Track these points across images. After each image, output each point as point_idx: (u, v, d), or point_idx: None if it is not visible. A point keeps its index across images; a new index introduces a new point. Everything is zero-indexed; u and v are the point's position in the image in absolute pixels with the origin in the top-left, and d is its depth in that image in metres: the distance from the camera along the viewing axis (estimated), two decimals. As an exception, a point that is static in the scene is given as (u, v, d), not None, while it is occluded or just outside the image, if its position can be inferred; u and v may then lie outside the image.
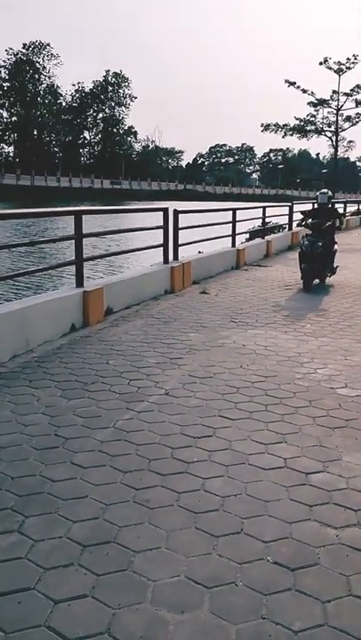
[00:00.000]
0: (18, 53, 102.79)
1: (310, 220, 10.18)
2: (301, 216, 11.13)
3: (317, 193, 10.75)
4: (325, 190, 10.79)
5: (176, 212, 9.37)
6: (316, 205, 10.70)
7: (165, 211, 9.20)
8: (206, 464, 3.37)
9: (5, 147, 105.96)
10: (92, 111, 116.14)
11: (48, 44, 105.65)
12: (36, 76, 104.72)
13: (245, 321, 7.15)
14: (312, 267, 9.46)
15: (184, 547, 2.57)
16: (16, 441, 3.62)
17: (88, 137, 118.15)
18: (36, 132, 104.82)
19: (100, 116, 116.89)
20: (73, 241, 6.83)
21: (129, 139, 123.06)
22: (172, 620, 2.13)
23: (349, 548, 2.59)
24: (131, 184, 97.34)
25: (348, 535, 2.69)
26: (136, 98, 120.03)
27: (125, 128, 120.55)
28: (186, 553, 2.53)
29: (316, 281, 10.01)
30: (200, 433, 3.80)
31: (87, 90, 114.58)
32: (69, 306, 6.40)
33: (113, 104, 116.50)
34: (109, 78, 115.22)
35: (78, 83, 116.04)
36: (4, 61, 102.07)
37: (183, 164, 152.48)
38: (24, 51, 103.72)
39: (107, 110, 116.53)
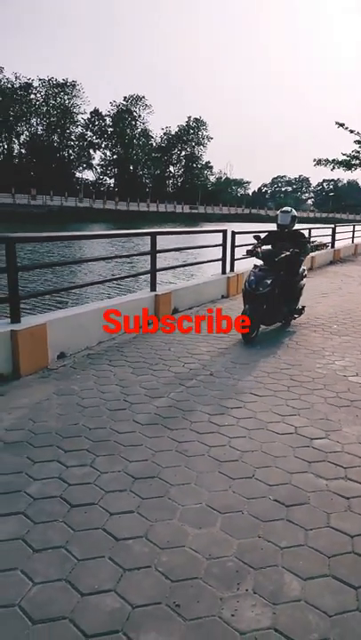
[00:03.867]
0: (119, 105, 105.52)
1: (261, 248, 6.44)
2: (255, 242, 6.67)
3: (278, 212, 6.87)
4: (288, 208, 6.84)
5: (233, 233, 9.52)
6: (277, 228, 6.75)
7: (225, 232, 9.39)
8: (234, 427, 3.58)
9: (108, 179, 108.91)
10: (176, 150, 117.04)
11: (143, 97, 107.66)
12: (133, 123, 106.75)
13: (283, 321, 7.24)
14: (255, 311, 5.84)
15: (208, 484, 2.81)
16: (95, 403, 3.95)
17: (173, 171, 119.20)
18: (131, 168, 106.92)
19: (183, 153, 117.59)
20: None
21: (205, 172, 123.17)
22: (191, 533, 2.39)
23: (335, 494, 2.75)
24: (205, 209, 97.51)
25: (335, 485, 2.85)
26: (212, 138, 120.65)
27: (203, 163, 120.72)
28: (209, 488, 2.77)
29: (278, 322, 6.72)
30: (233, 404, 4.00)
31: (173, 133, 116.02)
32: (144, 305, 6.75)
33: (193, 144, 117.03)
34: (191, 123, 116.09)
35: (166, 127, 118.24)
36: (108, 111, 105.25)
37: (250, 192, 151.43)
38: (124, 102, 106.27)
39: (188, 149, 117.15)
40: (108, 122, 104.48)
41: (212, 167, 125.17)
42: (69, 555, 2.21)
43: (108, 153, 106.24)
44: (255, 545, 2.31)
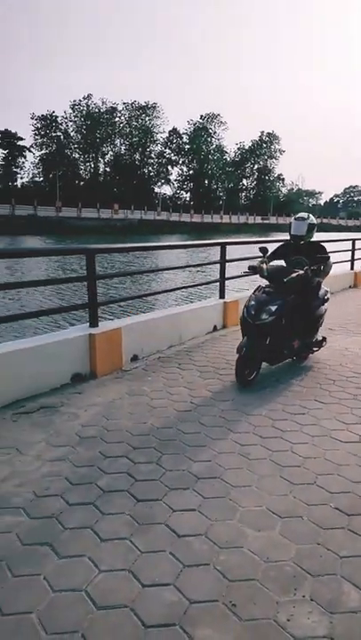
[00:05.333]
0: (196, 123, 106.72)
1: (268, 265, 4.84)
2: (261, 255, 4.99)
3: (292, 219, 5.22)
4: (304, 215, 5.11)
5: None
6: (290, 239, 5.10)
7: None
8: (297, 433, 3.47)
9: (184, 193, 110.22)
10: (249, 164, 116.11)
11: (218, 114, 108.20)
12: (209, 139, 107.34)
13: (350, 329, 6.94)
14: (253, 345, 4.37)
15: (269, 488, 2.74)
16: (164, 404, 3.98)
17: (246, 184, 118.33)
18: (206, 182, 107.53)
19: (256, 167, 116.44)
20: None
21: (277, 184, 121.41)
22: (250, 535, 2.33)
23: None
24: (277, 219, 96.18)
25: None
26: (284, 151, 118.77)
27: (275, 176, 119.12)
28: (270, 492, 2.70)
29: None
30: (297, 411, 3.88)
31: (246, 147, 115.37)
32: (213, 312, 6.72)
33: (266, 157, 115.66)
34: (264, 137, 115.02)
35: (240, 142, 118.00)
36: (185, 130, 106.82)
37: (321, 202, 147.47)
38: (201, 120, 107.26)
39: (261, 162, 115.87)
40: (185, 139, 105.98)
41: (283, 179, 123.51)
42: (133, 546, 2.24)
43: (185, 169, 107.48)
44: (314, 551, 2.21)
